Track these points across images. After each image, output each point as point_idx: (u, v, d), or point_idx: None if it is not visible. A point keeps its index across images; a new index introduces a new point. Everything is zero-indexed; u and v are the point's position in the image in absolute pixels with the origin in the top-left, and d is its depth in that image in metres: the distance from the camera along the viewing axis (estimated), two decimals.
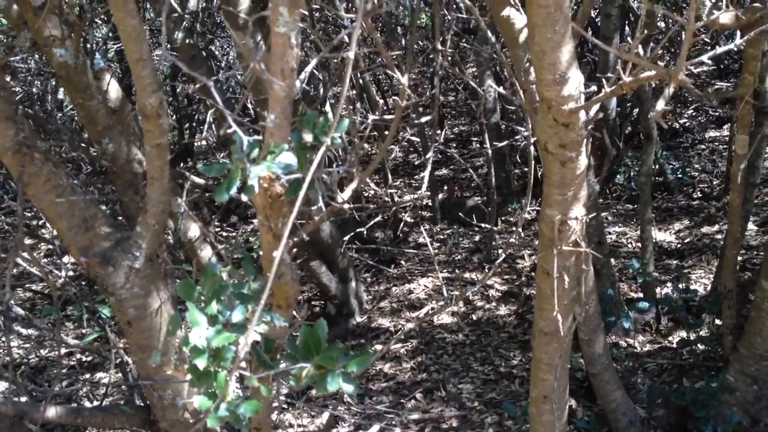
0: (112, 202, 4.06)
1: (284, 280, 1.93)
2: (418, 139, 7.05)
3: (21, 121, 2.42)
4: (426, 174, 3.12)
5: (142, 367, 2.74)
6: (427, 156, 3.11)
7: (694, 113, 8.03)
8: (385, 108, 6.24)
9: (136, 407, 2.95)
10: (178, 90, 9.23)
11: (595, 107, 2.20)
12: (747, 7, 2.74)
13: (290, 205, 1.87)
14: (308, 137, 1.60)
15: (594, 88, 2.14)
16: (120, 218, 4.36)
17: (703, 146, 7.13)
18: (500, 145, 4.03)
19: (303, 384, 1.63)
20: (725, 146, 6.85)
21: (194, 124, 9.10)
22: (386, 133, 2.55)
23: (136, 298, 2.59)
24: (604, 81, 1.88)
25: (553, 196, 2.30)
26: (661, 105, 1.54)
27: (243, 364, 1.71)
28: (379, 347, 4.77)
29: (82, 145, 3.84)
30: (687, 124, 7.74)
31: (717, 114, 7.82)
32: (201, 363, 1.53)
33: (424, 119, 3.04)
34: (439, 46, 2.99)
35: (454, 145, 8.79)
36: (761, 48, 2.72)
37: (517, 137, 4.17)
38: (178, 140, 9.28)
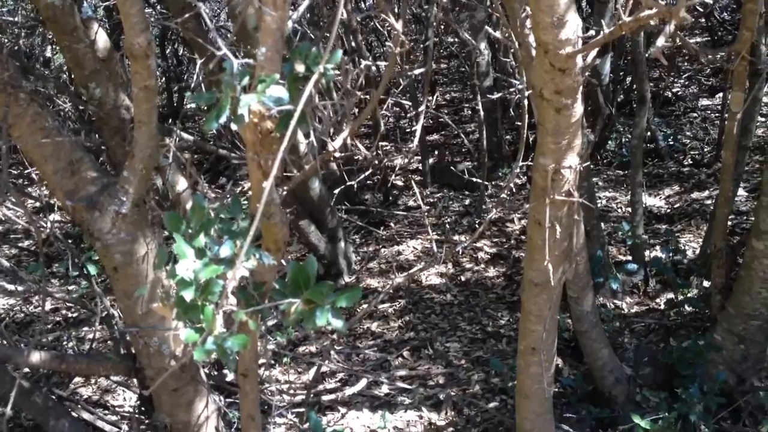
0: (99, 150, 4.00)
1: (273, 221, 1.90)
2: (409, 103, 7.00)
3: (6, 60, 2.37)
4: (418, 127, 3.09)
5: (128, 314, 2.72)
6: (419, 109, 3.07)
7: (686, 82, 8.00)
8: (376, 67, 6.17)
9: (122, 355, 2.94)
10: (167, 51, 9.13)
11: (593, 52, 2.17)
12: None
13: (281, 141, 1.84)
14: (300, 68, 1.56)
15: (592, 32, 2.10)
16: (106, 165, 4.31)
17: (695, 114, 7.12)
18: (496, 96, 3.98)
19: (291, 319, 1.61)
20: (717, 114, 6.84)
21: (183, 86, 9.01)
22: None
23: (122, 243, 2.56)
24: (603, 23, 1.84)
25: (547, 144, 2.27)
26: (661, 41, 1.51)
27: (231, 300, 1.69)
28: (365, 306, 4.77)
29: (69, 88, 3.77)
30: (679, 92, 7.72)
31: (710, 83, 7.80)
32: (188, 295, 1.51)
33: (417, 71, 2.99)
34: None
35: (446, 111, 8.74)
36: (760, 3, 2.68)
37: (511, 89, 4.12)
38: (167, 103, 9.19)
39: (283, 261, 1.97)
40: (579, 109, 2.22)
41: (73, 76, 4.29)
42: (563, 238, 2.43)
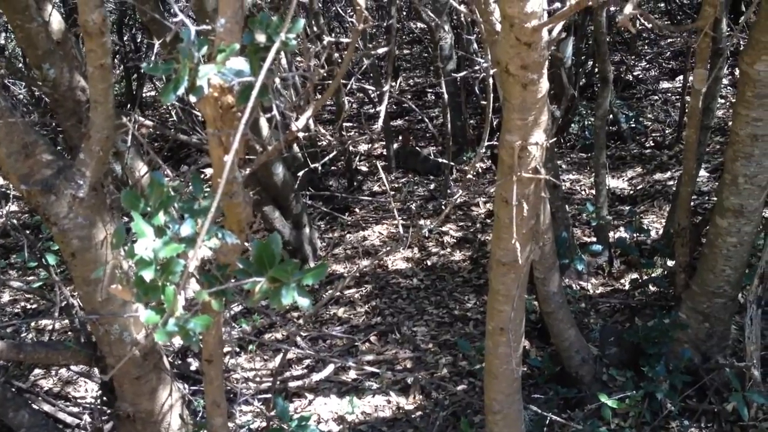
0: (54, 133, 3.89)
1: (236, 200, 1.85)
2: (372, 88, 6.95)
3: None
4: (383, 108, 3.05)
5: (87, 301, 2.64)
6: (384, 89, 3.03)
7: (647, 65, 8.06)
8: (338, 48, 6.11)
9: (82, 343, 2.86)
10: (125, 37, 8.95)
11: (559, 26, 2.14)
12: None
13: (242, 117, 1.79)
14: (261, 38, 1.51)
15: (558, 4, 2.07)
16: (62, 149, 4.20)
17: (656, 97, 7.17)
18: (460, 75, 3.95)
19: (256, 299, 1.56)
20: (678, 97, 6.90)
21: (141, 72, 8.83)
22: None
23: (80, 228, 2.48)
24: None
25: (513, 121, 2.24)
26: (629, 9, 1.49)
27: (192, 281, 1.63)
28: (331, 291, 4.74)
29: (22, 70, 3.66)
30: (640, 75, 7.77)
31: (670, 66, 7.86)
32: (148, 275, 1.45)
33: (381, 50, 2.95)
34: None
35: (409, 96, 8.70)
36: None
37: (476, 68, 4.09)
38: (126, 90, 9.01)
39: (246, 243, 1.93)
40: (545, 84, 2.19)
41: (26, 57, 4.17)
42: (530, 216, 2.41)
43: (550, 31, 2.11)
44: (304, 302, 1.52)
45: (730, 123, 6.04)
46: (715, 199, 5.03)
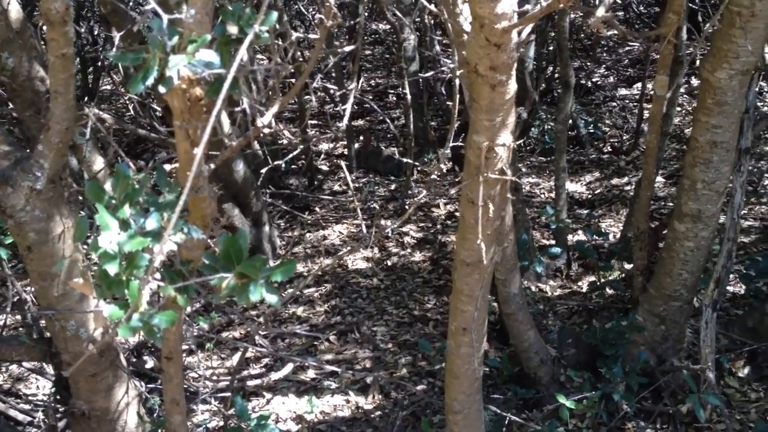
0: (11, 124, 3.80)
1: (201, 195, 1.82)
2: (335, 87, 6.92)
3: None
4: (348, 106, 3.03)
5: (43, 296, 2.58)
6: (350, 86, 3.02)
7: (605, 72, 8.17)
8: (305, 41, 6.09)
9: (36, 339, 2.79)
10: (82, 30, 8.79)
11: (528, 28, 2.15)
12: None
13: (210, 110, 1.76)
14: (233, 29, 1.48)
15: (528, 7, 2.08)
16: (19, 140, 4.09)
17: (614, 103, 7.27)
18: (426, 75, 3.95)
19: (223, 295, 1.53)
20: (635, 104, 7.00)
21: (99, 64, 8.68)
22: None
23: (37, 221, 2.42)
24: None
25: (481, 122, 2.25)
26: (601, 12, 1.50)
27: (157, 275, 1.60)
28: (291, 291, 4.70)
29: None
30: (599, 82, 7.87)
31: (628, 73, 7.98)
32: (112, 269, 1.42)
33: (347, 48, 2.94)
34: None
35: (371, 97, 8.69)
36: None
37: (442, 68, 4.10)
38: (82, 83, 8.84)
39: (209, 239, 1.90)
40: (513, 86, 2.20)
41: None
42: (496, 217, 2.42)
43: (519, 33, 2.12)
44: (272, 299, 1.50)
45: (687, 130, 6.20)
46: (672, 204, 5.14)
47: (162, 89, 1.41)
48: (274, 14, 1.48)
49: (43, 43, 4.29)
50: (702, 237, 3.21)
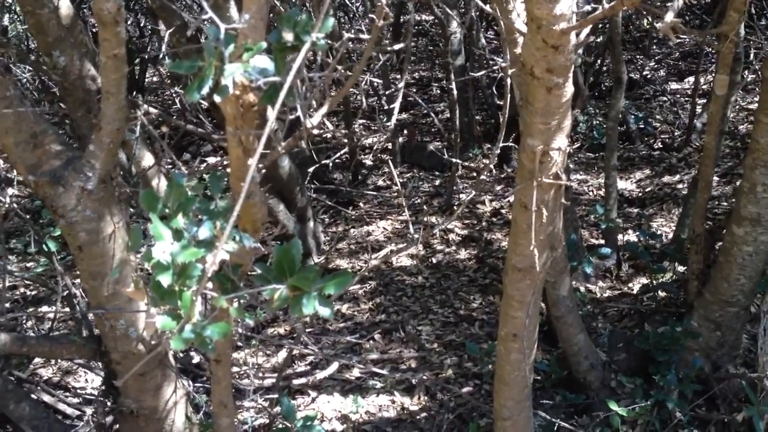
0: (63, 123, 3.83)
1: (252, 201, 1.80)
2: (380, 81, 6.88)
3: None
4: (396, 104, 2.99)
5: (93, 295, 2.59)
6: (399, 85, 2.97)
7: (655, 65, 8.00)
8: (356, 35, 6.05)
9: (86, 337, 2.81)
10: (129, 22, 8.87)
11: (586, 29, 2.09)
12: None
13: (263, 115, 1.73)
14: (288, 36, 1.44)
15: (588, 7, 2.01)
16: (71, 139, 4.14)
17: (664, 98, 7.11)
18: (478, 74, 3.89)
19: (275, 307, 1.51)
20: (687, 98, 6.84)
21: (146, 57, 8.76)
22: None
23: (87, 221, 2.43)
24: None
25: (536, 125, 2.19)
26: (670, 17, 1.44)
27: (209, 285, 1.58)
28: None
29: (30, 57, 3.59)
30: (648, 75, 7.71)
31: (679, 67, 7.80)
32: (165, 280, 1.40)
33: (396, 46, 2.90)
34: None
35: (415, 90, 8.63)
36: None
37: (494, 67, 4.04)
38: (130, 75, 8.92)
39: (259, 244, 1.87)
40: (570, 88, 2.13)
41: (35, 44, 4.11)
42: (549, 222, 2.36)
43: (577, 34, 2.06)
44: (325, 312, 1.47)
45: (741, 126, 6.04)
46: (726, 203, 5.01)
47: (218, 98, 1.38)
48: (331, 20, 1.45)
49: (93, 39, 4.33)
50: (761, 241, 3.11)
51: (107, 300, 2.55)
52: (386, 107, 6.55)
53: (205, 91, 1.36)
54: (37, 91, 5.87)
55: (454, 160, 4.08)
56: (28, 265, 5.40)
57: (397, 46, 2.95)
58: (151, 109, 4.59)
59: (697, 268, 3.44)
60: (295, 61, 1.40)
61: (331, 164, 6.10)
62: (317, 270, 1.52)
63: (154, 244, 1.43)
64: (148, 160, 3.69)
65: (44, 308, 4.83)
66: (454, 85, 5.68)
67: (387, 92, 6.87)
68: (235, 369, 3.96)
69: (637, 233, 4.76)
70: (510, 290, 2.54)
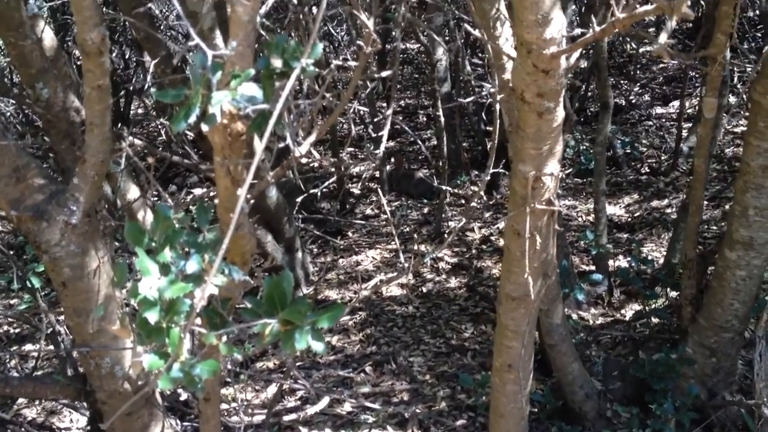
0: (46, 155, 3.77)
1: (241, 233, 1.75)
2: (367, 109, 6.87)
3: None
4: (385, 132, 2.96)
5: (78, 332, 2.52)
6: (387, 113, 2.94)
7: (640, 89, 8.04)
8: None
9: (71, 377, 2.73)
10: (114, 54, 8.84)
11: (576, 53, 2.07)
12: None
13: (251, 144, 1.69)
14: (277, 63, 1.41)
15: (577, 31, 1.99)
16: (54, 172, 4.08)
17: (650, 122, 7.13)
18: (466, 101, 3.87)
19: (266, 342, 1.46)
20: (672, 123, 6.87)
21: (131, 88, 8.72)
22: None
23: (72, 256, 2.37)
24: (593, 19, 1.73)
25: (527, 150, 2.16)
26: (663, 38, 1.42)
27: (197, 320, 1.53)
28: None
29: (14, 90, 3.55)
30: (633, 100, 7.74)
31: (663, 91, 7.84)
32: (152, 316, 1.35)
33: (384, 74, 2.87)
34: None
35: (401, 117, 8.63)
36: (736, 6, 2.62)
37: (481, 94, 4.03)
38: (115, 107, 8.88)
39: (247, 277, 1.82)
40: (561, 113, 2.12)
41: (18, 76, 4.06)
42: (542, 249, 2.33)
43: (567, 58, 2.04)
44: (318, 347, 1.42)
45: (728, 149, 6.05)
46: (716, 227, 5.00)
47: (205, 127, 1.34)
48: (320, 46, 1.41)
49: (77, 70, 4.29)
50: (754, 265, 3.09)
51: (92, 337, 2.48)
52: (373, 135, 6.52)
53: (192, 119, 1.33)
54: (21, 124, 5.82)
55: (442, 187, 4.05)
56: (12, 302, 5.30)
57: (384, 74, 2.93)
58: (137, 141, 4.55)
59: (691, 294, 3.40)
60: (284, 89, 1.37)
61: (318, 193, 6.07)
62: (309, 303, 1.48)
63: (141, 279, 1.38)
64: (133, 192, 3.63)
65: (28, 346, 4.74)
66: (441, 112, 5.67)
67: (374, 120, 6.86)
68: (223, 406, 3.88)
69: (628, 259, 4.74)
70: (504, 319, 2.49)
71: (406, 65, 10.53)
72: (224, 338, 1.48)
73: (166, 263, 1.40)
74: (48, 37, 3.12)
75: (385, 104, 8.06)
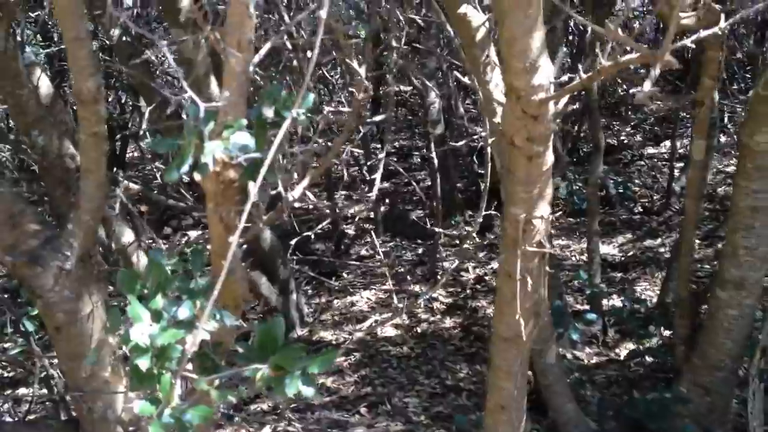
0: (41, 201, 3.80)
1: (233, 278, 1.77)
2: (360, 151, 6.93)
3: None
4: (378, 175, 3.00)
5: (71, 377, 2.53)
6: (380, 156, 2.99)
7: (632, 130, 8.13)
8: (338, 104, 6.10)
9: (64, 421, 2.73)
10: (110, 99, 8.92)
11: (565, 98, 2.11)
12: (709, 8, 2.70)
13: (243, 192, 1.72)
14: (269, 112, 1.45)
15: (565, 77, 2.04)
16: (49, 218, 4.10)
17: (642, 162, 7.20)
18: (458, 144, 3.93)
19: (258, 387, 1.47)
20: (664, 162, 6.94)
21: (127, 134, 8.78)
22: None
23: (66, 301, 2.38)
24: (579, 67, 1.78)
25: (518, 193, 2.19)
26: (648, 86, 1.45)
27: (189, 366, 1.54)
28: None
29: (10, 137, 3.59)
30: (625, 140, 7.82)
31: (655, 131, 7.93)
32: (143, 363, 1.36)
33: (377, 118, 2.92)
34: (394, 43, 2.88)
35: (395, 158, 8.69)
36: (722, 50, 2.68)
37: (474, 137, 4.09)
38: (110, 151, 8.92)
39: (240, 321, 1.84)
40: (550, 157, 2.15)
41: (13, 124, 4.11)
42: (534, 290, 2.34)
43: (556, 103, 2.08)
44: (309, 392, 1.43)
45: (720, 189, 6.10)
46: (708, 266, 5.03)
47: (197, 176, 1.37)
48: (311, 96, 1.45)
49: (73, 116, 4.33)
50: (746, 305, 3.11)
51: (85, 382, 2.48)
52: (368, 177, 6.58)
53: (185, 169, 1.35)
54: (17, 169, 5.86)
55: (436, 229, 4.08)
56: (5, 345, 5.28)
57: (377, 118, 2.98)
58: (132, 185, 4.58)
59: (684, 333, 3.42)
60: (276, 137, 1.40)
61: (313, 235, 6.09)
62: (301, 348, 1.49)
63: (132, 327, 1.40)
64: (128, 236, 3.66)
65: (22, 390, 4.71)
66: (434, 154, 5.72)
67: (368, 162, 6.91)
68: None
69: (622, 298, 4.75)
70: (497, 360, 2.50)
71: (400, 107, 10.63)
72: (216, 383, 1.49)
73: (158, 310, 1.41)
74: (44, 84, 3.16)
75: (379, 145, 8.12)
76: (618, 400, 3.78)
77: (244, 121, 1.39)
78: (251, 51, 1.52)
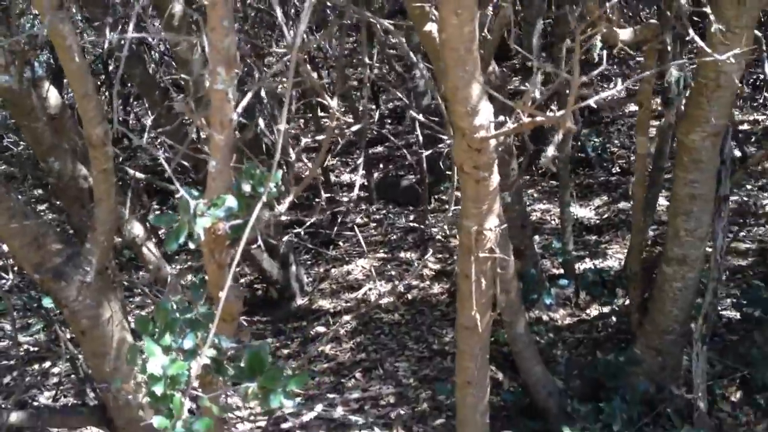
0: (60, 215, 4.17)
1: (228, 300, 2.16)
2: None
3: None
4: (358, 177, 3.35)
5: (96, 371, 2.95)
6: (358, 162, 3.34)
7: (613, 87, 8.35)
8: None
9: (92, 407, 3.16)
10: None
11: (502, 137, 2.46)
12: (644, 24, 3.02)
13: (233, 241, 2.10)
14: (246, 188, 1.82)
15: (502, 118, 2.39)
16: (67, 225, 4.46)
17: (622, 122, 7.49)
18: (428, 152, 4.26)
19: (248, 400, 1.87)
20: None
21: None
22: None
23: (88, 309, 2.78)
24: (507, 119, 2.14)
25: (469, 209, 2.56)
26: (551, 151, 1.80)
27: (195, 383, 1.94)
28: (321, 328, 5.09)
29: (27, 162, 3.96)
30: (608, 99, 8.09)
31: (636, 88, 8.16)
32: (158, 389, 1.76)
33: (354, 128, 3.25)
34: (367, 60, 3.20)
35: (389, 121, 8.97)
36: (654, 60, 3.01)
37: (440, 145, 4.44)
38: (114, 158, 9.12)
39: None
40: (495, 178, 2.51)
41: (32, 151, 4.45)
42: (488, 288, 2.73)
43: (497, 139, 2.44)
44: (288, 404, 1.84)
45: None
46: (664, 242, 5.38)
47: (192, 245, 1.75)
48: (280, 173, 1.82)
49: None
50: (689, 278, 3.49)
51: (110, 374, 2.91)
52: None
53: (181, 240, 1.73)
54: (36, 186, 6.19)
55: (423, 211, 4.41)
56: (30, 321, 5.69)
57: (354, 128, 3.32)
58: (139, 174, 4.94)
59: (637, 302, 3.82)
60: (256, 209, 1.76)
61: (309, 204, 6.46)
62: (281, 369, 1.89)
63: (149, 360, 1.80)
64: (138, 229, 4.03)
65: (47, 364, 5.14)
66: (419, 132, 6.00)
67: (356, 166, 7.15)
68: (228, 415, 4.30)
69: (594, 262, 5.14)
70: (461, 345, 2.91)
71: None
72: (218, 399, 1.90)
73: (167, 345, 1.81)
74: (53, 96, 3.51)
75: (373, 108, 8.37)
76: (583, 360, 4.20)
77: (228, 198, 1.76)
78: (232, 128, 1.89)
